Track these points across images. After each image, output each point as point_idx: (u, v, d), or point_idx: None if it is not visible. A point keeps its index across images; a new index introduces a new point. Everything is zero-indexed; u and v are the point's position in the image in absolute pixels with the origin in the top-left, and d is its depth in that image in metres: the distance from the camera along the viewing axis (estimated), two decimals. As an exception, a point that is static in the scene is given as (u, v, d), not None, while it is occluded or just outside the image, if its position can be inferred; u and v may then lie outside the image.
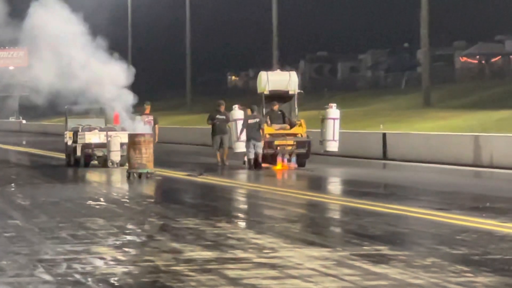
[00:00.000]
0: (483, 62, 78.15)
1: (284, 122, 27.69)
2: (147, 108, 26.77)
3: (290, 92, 27.43)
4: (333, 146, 25.96)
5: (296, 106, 28.26)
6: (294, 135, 27.52)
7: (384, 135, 30.59)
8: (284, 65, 41.81)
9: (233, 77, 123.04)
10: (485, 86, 59.42)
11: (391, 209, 13.19)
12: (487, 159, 24.66)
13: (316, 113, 31.44)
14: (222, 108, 28.40)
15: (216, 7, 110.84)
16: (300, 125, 27.72)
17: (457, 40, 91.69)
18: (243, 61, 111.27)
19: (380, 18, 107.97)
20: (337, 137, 26.61)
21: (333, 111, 26.50)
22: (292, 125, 27.86)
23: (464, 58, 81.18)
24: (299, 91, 28.53)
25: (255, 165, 24.82)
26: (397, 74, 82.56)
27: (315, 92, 65.27)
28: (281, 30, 63.17)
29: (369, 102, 59.82)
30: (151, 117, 26.40)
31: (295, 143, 27.07)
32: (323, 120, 26.77)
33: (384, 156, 29.61)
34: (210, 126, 28.86)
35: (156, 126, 26.11)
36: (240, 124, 27.38)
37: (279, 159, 25.42)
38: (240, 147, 27.67)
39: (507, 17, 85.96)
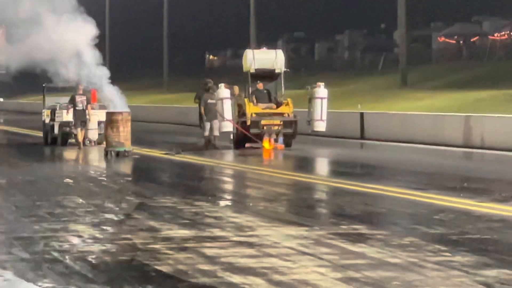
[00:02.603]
0: (461, 42, 78.65)
1: (270, 101, 27.72)
2: (80, 88, 26.53)
3: (277, 71, 27.20)
4: (321, 126, 26.05)
5: (282, 85, 28.08)
6: (281, 114, 27.52)
7: (361, 115, 30.83)
8: (262, 45, 41.92)
9: (211, 57, 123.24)
10: (462, 67, 59.70)
11: (369, 188, 13.28)
12: (478, 140, 24.64)
13: (300, 92, 32.00)
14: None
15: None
16: (287, 104, 27.60)
17: (434, 21, 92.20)
18: (221, 40, 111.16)
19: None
20: (325, 116, 26.62)
21: (321, 91, 26.54)
22: (278, 105, 27.90)
23: (442, 39, 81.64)
24: (285, 69, 28.33)
25: (207, 145, 25.32)
26: (374, 54, 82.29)
27: (293, 73, 65.27)
28: (258, 10, 63.14)
29: (346, 82, 60.08)
30: (84, 97, 26.23)
31: (282, 122, 27.05)
32: (311, 99, 26.83)
33: (362, 136, 29.91)
34: (194, 106, 28.10)
35: (89, 106, 25.94)
36: (226, 103, 26.07)
37: (265, 139, 25.32)
38: (227, 126, 26.74)
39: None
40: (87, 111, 26.02)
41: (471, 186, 14.18)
